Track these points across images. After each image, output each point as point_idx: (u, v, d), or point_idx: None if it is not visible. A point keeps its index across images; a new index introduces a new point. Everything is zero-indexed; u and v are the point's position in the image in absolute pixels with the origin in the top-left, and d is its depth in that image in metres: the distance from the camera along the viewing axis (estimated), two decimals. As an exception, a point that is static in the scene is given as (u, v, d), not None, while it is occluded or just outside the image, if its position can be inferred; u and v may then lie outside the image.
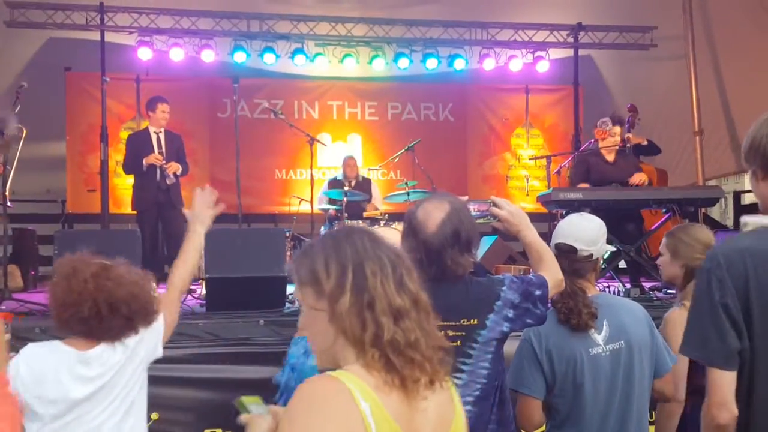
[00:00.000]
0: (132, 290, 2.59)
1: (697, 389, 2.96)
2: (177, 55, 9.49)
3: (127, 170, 7.75)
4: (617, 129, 6.97)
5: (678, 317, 3.03)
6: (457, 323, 2.40)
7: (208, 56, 9.54)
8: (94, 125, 9.25)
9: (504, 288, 2.48)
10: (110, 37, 9.36)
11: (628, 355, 2.74)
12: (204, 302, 5.61)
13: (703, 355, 2.10)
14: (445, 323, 2.25)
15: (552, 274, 2.58)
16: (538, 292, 2.51)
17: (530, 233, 2.64)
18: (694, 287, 2.23)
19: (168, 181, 7.25)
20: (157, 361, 4.70)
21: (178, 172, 7.34)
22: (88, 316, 2.52)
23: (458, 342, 2.37)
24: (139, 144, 7.50)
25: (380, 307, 1.58)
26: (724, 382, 2.05)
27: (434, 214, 2.44)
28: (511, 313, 2.47)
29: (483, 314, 2.44)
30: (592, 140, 7.88)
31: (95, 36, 9.21)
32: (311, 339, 1.69)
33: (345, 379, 1.54)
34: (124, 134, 9.85)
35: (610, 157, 6.97)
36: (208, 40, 9.57)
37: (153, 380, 4.54)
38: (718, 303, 2.05)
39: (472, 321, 2.42)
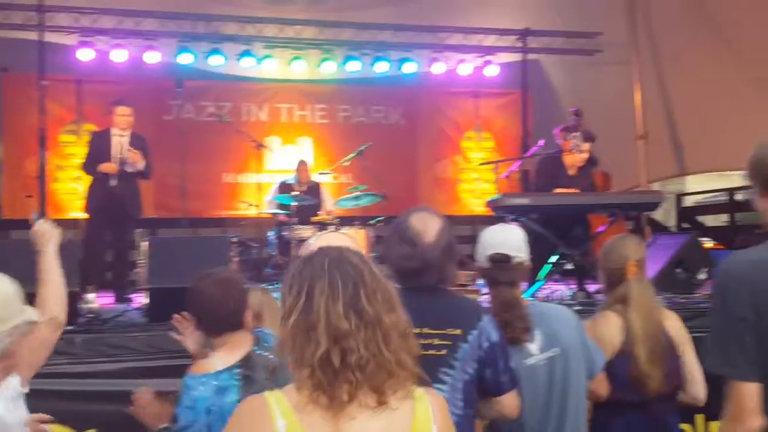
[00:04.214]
0: None
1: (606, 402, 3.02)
2: (120, 56, 9.27)
3: (85, 170, 7.39)
4: (587, 146, 6.93)
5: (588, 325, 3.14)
6: (445, 332, 2.40)
7: (152, 58, 9.35)
8: (33, 128, 8.94)
9: (485, 317, 2.50)
10: (50, 37, 9.07)
11: (563, 361, 2.76)
12: (146, 314, 5.47)
13: (730, 370, 2.11)
14: (437, 331, 2.36)
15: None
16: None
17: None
18: (711, 302, 2.24)
19: (128, 168, 6.98)
20: (94, 376, 4.57)
21: (140, 166, 7.09)
22: None
23: (444, 351, 2.38)
24: (98, 145, 7.22)
25: (321, 327, 1.62)
26: (752, 393, 2.07)
27: (431, 224, 2.47)
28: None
29: (467, 327, 2.45)
30: (540, 144, 7.91)
31: (34, 36, 8.93)
32: None
33: (270, 398, 1.64)
34: (64, 138, 9.60)
35: (572, 171, 6.95)
36: (152, 41, 9.38)
37: (93, 396, 4.43)
38: (736, 316, 2.07)
39: (456, 331, 2.41)
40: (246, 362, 2.82)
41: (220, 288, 2.87)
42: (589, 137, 7.03)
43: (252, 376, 2.80)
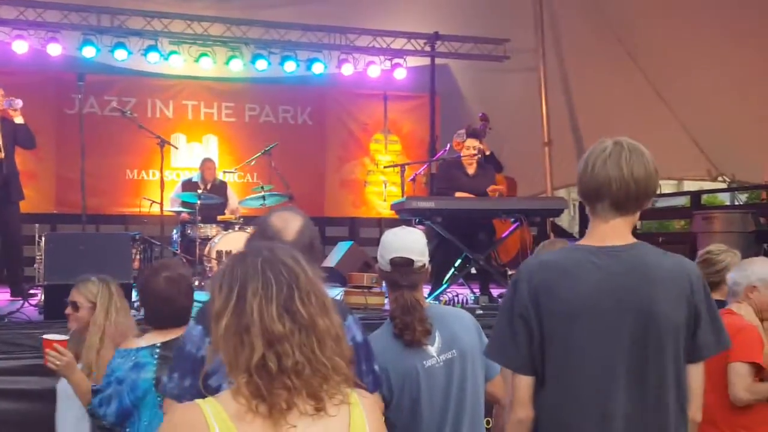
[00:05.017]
0: None
1: None
2: (20, 47, 8.92)
3: None
4: (471, 142, 7.10)
5: None
6: None
7: (54, 50, 9.03)
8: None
9: (350, 317, 2.51)
10: (-56, 25, 8.68)
11: (461, 363, 2.80)
12: (42, 310, 5.31)
13: (503, 360, 2.25)
14: None
15: None
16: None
17: None
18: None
19: (15, 114, 6.74)
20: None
21: (19, 118, 6.82)
22: None
23: None
24: None
25: (255, 330, 1.56)
26: (523, 385, 2.18)
27: (292, 222, 2.44)
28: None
29: None
30: (446, 148, 8.09)
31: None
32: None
33: (206, 407, 1.55)
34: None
35: (471, 170, 7.09)
36: (55, 33, 9.06)
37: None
38: (516, 313, 2.18)
39: None
40: (169, 345, 2.91)
41: (170, 285, 3.01)
42: (472, 134, 7.20)
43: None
